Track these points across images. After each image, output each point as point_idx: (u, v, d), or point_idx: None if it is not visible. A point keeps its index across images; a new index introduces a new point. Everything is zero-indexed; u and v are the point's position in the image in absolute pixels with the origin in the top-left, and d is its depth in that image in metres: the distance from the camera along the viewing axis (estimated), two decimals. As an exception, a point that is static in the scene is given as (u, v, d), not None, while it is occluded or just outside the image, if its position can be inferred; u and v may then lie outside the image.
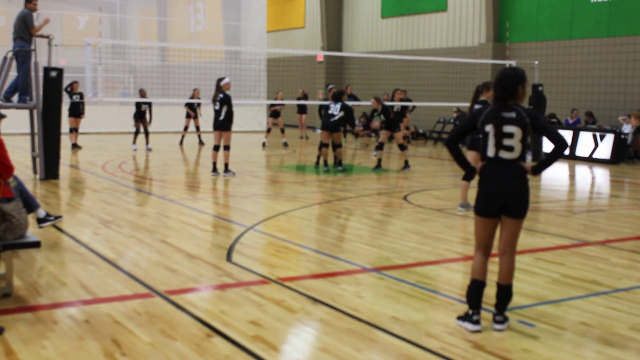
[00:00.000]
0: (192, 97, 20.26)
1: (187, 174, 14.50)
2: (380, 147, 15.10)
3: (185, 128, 20.53)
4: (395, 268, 6.57)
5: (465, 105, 20.92)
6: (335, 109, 14.26)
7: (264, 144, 20.19)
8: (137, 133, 18.36)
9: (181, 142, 20.30)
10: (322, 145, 14.43)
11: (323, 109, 15.85)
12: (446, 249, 7.48)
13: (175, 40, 31.24)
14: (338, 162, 14.47)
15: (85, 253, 6.94)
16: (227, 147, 13.09)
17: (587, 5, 20.27)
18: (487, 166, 4.88)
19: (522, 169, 4.83)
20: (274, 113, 20.71)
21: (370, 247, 7.57)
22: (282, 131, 20.61)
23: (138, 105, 18.23)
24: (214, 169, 13.25)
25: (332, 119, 14.22)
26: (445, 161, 17.71)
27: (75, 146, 18.55)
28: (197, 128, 20.46)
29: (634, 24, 19.22)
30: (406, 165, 14.88)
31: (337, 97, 14.50)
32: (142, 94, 18.46)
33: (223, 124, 13.01)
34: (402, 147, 14.92)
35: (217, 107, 12.95)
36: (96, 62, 15.59)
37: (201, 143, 20.19)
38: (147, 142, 18.42)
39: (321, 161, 14.74)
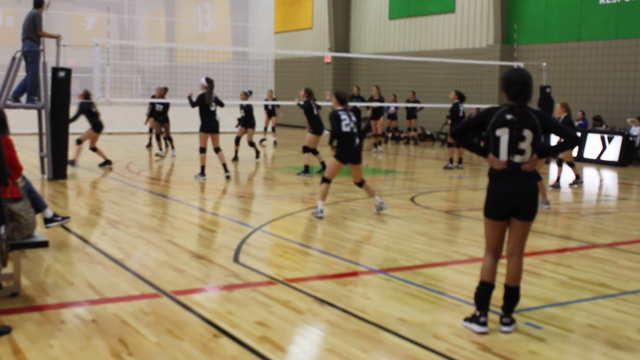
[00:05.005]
0: None
1: (195, 174, 14.49)
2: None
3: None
4: (402, 269, 6.57)
5: (474, 106, 20.88)
6: None
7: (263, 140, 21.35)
8: (169, 138, 17.50)
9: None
10: None
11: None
12: (453, 250, 7.47)
13: (182, 41, 31.33)
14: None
15: (92, 253, 6.96)
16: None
17: (595, 6, 20.19)
18: (498, 169, 4.85)
19: (532, 172, 4.81)
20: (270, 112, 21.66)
21: (377, 249, 7.57)
22: (273, 129, 21.63)
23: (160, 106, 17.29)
24: (226, 169, 13.10)
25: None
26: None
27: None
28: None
29: (642, 26, 19.15)
30: (306, 170, 13.67)
31: None
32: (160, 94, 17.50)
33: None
34: (306, 150, 13.64)
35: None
36: (104, 63, 15.63)
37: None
38: (160, 148, 17.69)
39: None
